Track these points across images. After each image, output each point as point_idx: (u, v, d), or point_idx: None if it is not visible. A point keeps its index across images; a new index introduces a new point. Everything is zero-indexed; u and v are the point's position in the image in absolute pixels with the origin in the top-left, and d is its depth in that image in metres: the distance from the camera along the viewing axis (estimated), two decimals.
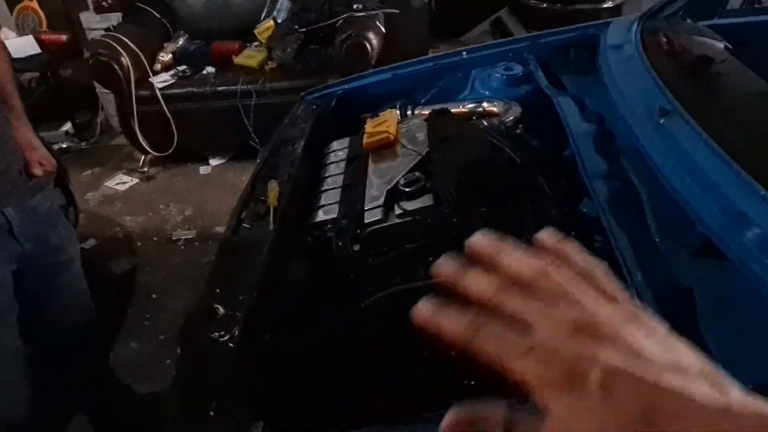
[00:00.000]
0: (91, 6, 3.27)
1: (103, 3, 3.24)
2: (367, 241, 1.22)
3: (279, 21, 2.85)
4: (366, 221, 1.22)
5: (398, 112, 1.67)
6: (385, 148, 1.43)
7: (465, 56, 1.77)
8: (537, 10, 2.76)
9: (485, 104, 1.58)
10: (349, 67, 2.61)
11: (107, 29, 2.92)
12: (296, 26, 2.75)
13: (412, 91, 1.76)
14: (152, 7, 3.02)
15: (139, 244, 2.42)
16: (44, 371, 1.17)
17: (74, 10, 3.32)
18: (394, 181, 1.27)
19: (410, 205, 1.21)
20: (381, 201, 1.24)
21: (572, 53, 1.69)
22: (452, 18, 2.83)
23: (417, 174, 1.26)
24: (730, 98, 1.20)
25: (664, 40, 1.45)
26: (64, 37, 3.22)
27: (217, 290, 1.15)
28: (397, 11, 2.79)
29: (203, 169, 2.91)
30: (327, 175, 1.45)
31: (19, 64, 3.17)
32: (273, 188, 1.32)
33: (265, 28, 2.81)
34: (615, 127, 1.29)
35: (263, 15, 2.94)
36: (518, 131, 1.46)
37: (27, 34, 3.22)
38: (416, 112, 1.66)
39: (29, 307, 1.10)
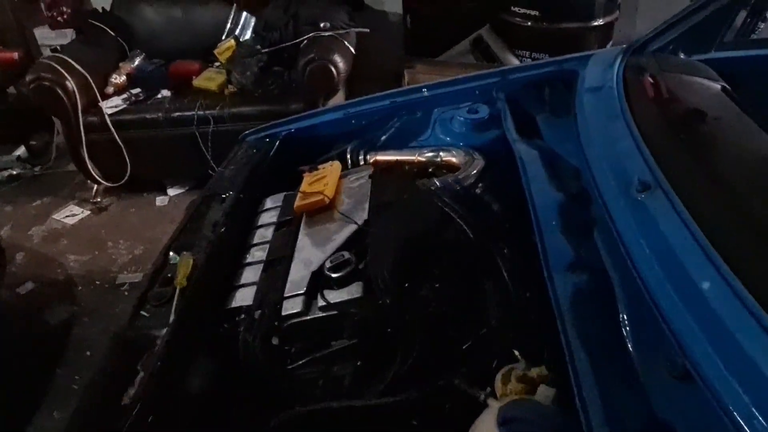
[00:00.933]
0: (45, 22, 3.06)
1: (58, 18, 3.03)
2: (285, 337, 1.01)
3: (241, 40, 2.64)
4: (284, 313, 1.01)
5: (349, 157, 1.47)
6: (321, 211, 1.22)
7: (426, 93, 1.56)
8: (521, 29, 2.54)
9: (443, 154, 1.37)
10: (312, 93, 2.41)
11: (55, 48, 2.70)
12: (258, 46, 2.53)
13: (367, 131, 1.55)
14: (107, 24, 2.81)
15: (80, 288, 2.21)
16: None
17: (28, 25, 3.11)
18: (322, 261, 1.06)
19: (335, 296, 1.00)
20: (303, 288, 1.03)
21: (547, 90, 1.47)
22: (429, 36, 2.62)
23: (345, 255, 1.04)
24: (727, 166, 0.97)
25: (651, 82, 1.23)
26: (15, 55, 3.00)
27: (96, 401, 0.95)
28: (368, 30, 2.57)
29: (160, 200, 2.70)
30: (254, 242, 1.24)
31: None
32: (184, 263, 1.11)
33: (225, 48, 2.60)
34: (589, 192, 1.07)
35: (225, 33, 2.72)
36: (478, 190, 1.24)
37: None
38: (369, 158, 1.45)
39: None
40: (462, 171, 1.28)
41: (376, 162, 1.42)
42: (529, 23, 2.55)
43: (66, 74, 2.42)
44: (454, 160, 1.35)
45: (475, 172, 1.28)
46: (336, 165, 1.34)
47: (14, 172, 2.97)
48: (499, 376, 0.84)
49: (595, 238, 0.97)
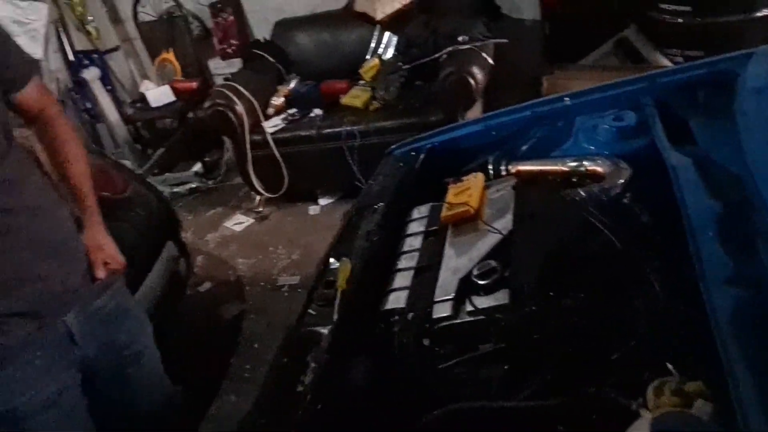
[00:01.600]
0: (217, 54, 3.51)
1: (228, 50, 3.45)
2: (435, 339, 1.09)
3: (384, 58, 2.81)
4: (434, 316, 1.09)
5: (491, 168, 1.52)
6: (466, 221, 1.28)
7: (568, 102, 1.56)
8: (670, 26, 2.37)
9: (587, 163, 1.36)
10: (451, 104, 2.49)
11: (227, 77, 3.09)
12: (400, 63, 2.67)
13: (508, 142, 1.59)
14: (267, 52, 3.15)
15: (248, 288, 2.51)
16: None
17: (204, 57, 3.58)
18: (468, 269, 1.12)
19: (482, 302, 1.06)
20: (452, 293, 1.10)
21: (701, 93, 1.40)
22: (569, 41, 2.56)
23: (492, 263, 1.09)
24: None
25: None
26: (194, 84, 3.48)
27: (272, 391, 1.10)
28: (506, 40, 2.60)
29: (312, 209, 2.96)
30: (404, 250, 1.34)
31: (157, 112, 3.51)
32: (344, 268, 1.24)
33: (369, 66, 2.79)
34: (754, 204, 1.01)
35: (369, 53, 2.91)
36: (626, 200, 1.23)
37: (165, 84, 3.53)
38: (510, 168, 1.49)
39: (102, 400, 1.13)
40: (608, 180, 1.27)
41: (518, 172, 1.46)
42: (680, 20, 2.38)
43: (236, 99, 2.76)
44: (599, 169, 1.33)
45: (621, 181, 1.26)
46: (479, 176, 1.40)
47: (193, 185, 3.44)
48: (651, 388, 0.84)
49: (759, 250, 0.92)
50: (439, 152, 1.66)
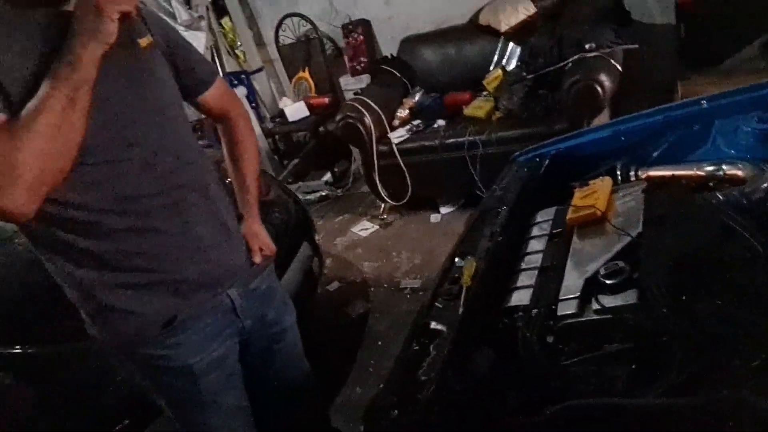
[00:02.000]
0: (348, 71, 3.76)
1: (357, 67, 3.69)
2: (559, 336, 1.12)
3: (508, 69, 2.84)
4: (559, 313, 1.12)
5: (619, 173, 1.50)
6: (592, 224, 1.29)
7: (704, 105, 1.50)
8: None
9: (726, 167, 1.31)
10: (576, 113, 2.46)
11: (357, 92, 3.30)
12: (524, 73, 2.69)
13: (637, 147, 1.56)
14: (394, 67, 3.32)
15: (372, 289, 2.65)
16: (267, 426, 1.35)
17: (335, 75, 3.85)
18: (595, 269, 1.14)
19: (610, 301, 1.07)
20: (578, 291, 1.12)
21: None
22: (708, 45, 2.42)
23: (620, 264, 1.10)
24: None
25: None
26: (327, 100, 3.75)
27: (400, 373, 1.18)
28: (636, 46, 2.52)
29: (433, 217, 3.05)
30: (527, 251, 1.37)
31: (294, 126, 3.82)
32: (468, 266, 1.30)
33: (493, 77, 2.83)
34: None
35: (492, 64, 2.96)
36: None
37: (300, 100, 3.84)
38: (639, 174, 1.47)
39: (252, 371, 1.29)
40: (749, 185, 1.22)
41: (648, 177, 1.43)
42: None
43: (365, 112, 2.95)
44: (739, 173, 1.28)
45: (765, 185, 1.20)
46: (607, 180, 1.40)
47: (323, 193, 3.70)
48: None
49: None
50: (564, 158, 1.66)
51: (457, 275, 1.31)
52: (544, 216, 1.46)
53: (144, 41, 0.98)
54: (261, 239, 1.29)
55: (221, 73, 3.80)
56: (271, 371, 1.34)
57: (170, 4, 3.56)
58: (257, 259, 1.26)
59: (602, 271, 1.11)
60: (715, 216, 1.12)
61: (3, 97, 0.85)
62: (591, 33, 2.59)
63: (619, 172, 1.50)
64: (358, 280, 2.76)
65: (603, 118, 2.55)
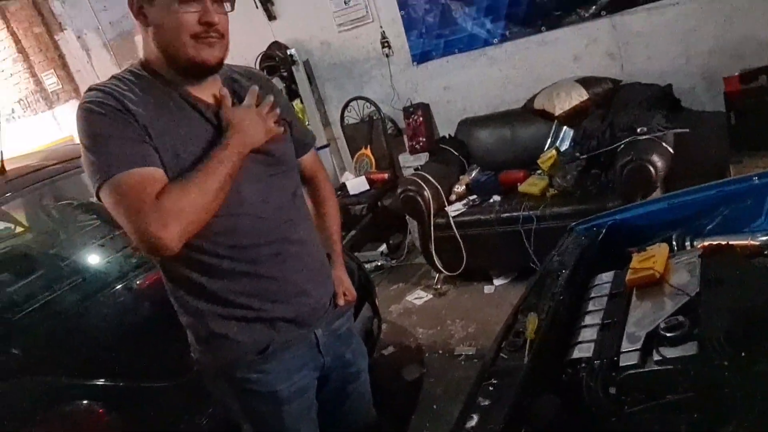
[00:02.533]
0: (407, 149, 4.01)
1: (416, 146, 3.93)
2: (622, 386, 1.18)
3: (561, 149, 3.01)
4: (621, 364, 1.19)
5: (674, 243, 1.59)
6: (650, 285, 1.38)
7: (756, 181, 1.60)
8: None
9: None
10: (630, 192, 2.56)
11: (416, 168, 3.52)
12: (577, 153, 2.85)
13: (691, 220, 1.66)
14: (451, 146, 3.55)
15: (427, 355, 2.72)
16: None
17: (395, 152, 4.11)
18: (655, 324, 1.22)
19: (671, 352, 1.14)
20: (639, 344, 1.20)
21: None
22: (758, 129, 2.53)
23: (680, 318, 1.18)
24: None
25: None
26: (386, 175, 3.98)
27: (470, 418, 1.25)
28: (687, 130, 2.65)
29: (487, 288, 3.14)
30: (587, 310, 1.45)
31: (354, 199, 4.04)
32: (532, 321, 1.39)
33: (547, 157, 3.00)
34: None
35: (546, 145, 3.14)
36: None
37: (361, 175, 4.10)
38: (695, 244, 1.55)
39: (325, 407, 1.39)
40: None
41: (703, 247, 1.52)
42: None
43: (424, 186, 3.14)
44: None
45: None
46: (664, 246, 1.49)
47: (378, 264, 3.85)
48: None
49: None
50: (620, 228, 1.76)
51: (520, 329, 1.40)
52: (603, 279, 1.54)
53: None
54: (345, 285, 1.44)
55: None
56: (342, 410, 1.44)
57: None
58: (341, 302, 1.40)
59: (662, 325, 1.18)
60: None
61: (159, 156, 1.07)
62: (642, 118, 2.74)
63: (674, 242, 1.58)
64: (412, 346, 2.84)
65: (655, 197, 2.65)
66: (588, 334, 1.36)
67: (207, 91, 1.16)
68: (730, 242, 1.48)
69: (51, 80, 6.40)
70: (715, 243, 1.50)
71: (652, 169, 2.49)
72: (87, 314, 1.98)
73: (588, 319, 1.41)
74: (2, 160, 2.24)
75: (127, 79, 1.11)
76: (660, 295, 1.32)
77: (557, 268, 1.64)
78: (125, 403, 1.79)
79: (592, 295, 1.51)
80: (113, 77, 1.12)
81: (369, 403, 1.52)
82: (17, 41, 6.44)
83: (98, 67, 5.73)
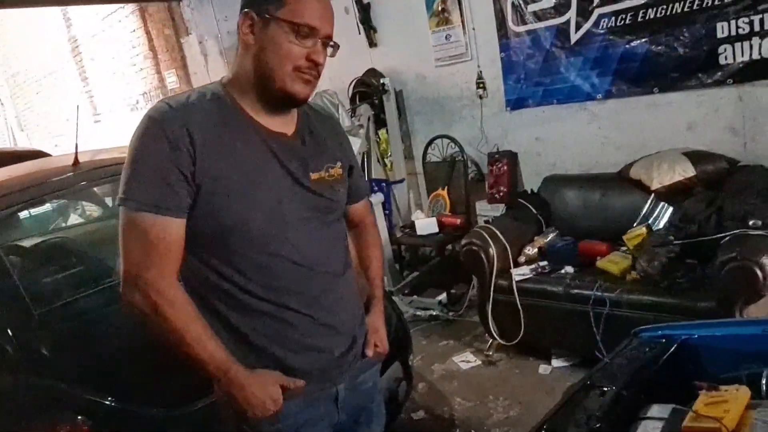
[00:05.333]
0: (486, 197, 3.76)
1: (496, 195, 3.68)
2: None
3: (654, 228, 2.63)
4: None
5: (764, 384, 1.25)
6: None
7: None
8: None
9: None
10: (729, 294, 2.16)
11: (488, 219, 3.26)
12: (671, 237, 2.46)
13: None
14: (531, 203, 3.25)
15: (457, 431, 2.43)
16: None
17: (473, 198, 3.87)
18: None
19: None
20: None
21: None
22: None
23: None
24: None
25: None
26: (458, 221, 3.76)
27: None
28: None
29: (543, 368, 2.79)
30: None
31: (421, 240, 3.86)
32: None
33: (635, 234, 2.63)
34: None
35: (638, 220, 2.77)
36: None
37: (433, 216, 3.90)
38: None
39: None
40: None
41: None
42: None
43: (491, 242, 2.89)
44: None
45: None
46: (744, 390, 1.16)
47: (434, 313, 3.60)
48: None
49: None
50: (696, 347, 1.44)
51: None
52: (656, 413, 1.24)
53: (336, 171, 1.22)
54: (379, 335, 1.33)
55: (366, 177, 4.05)
56: None
57: (338, 111, 3.93)
58: (369, 352, 1.29)
59: None
60: None
61: (199, 188, 1.05)
62: (759, 209, 2.32)
63: (765, 382, 1.25)
64: (445, 416, 2.57)
65: (763, 308, 2.21)
66: None
67: (279, 122, 1.16)
68: None
69: (171, 78, 6.86)
70: None
71: (759, 272, 2.07)
72: (104, 321, 1.93)
73: None
74: (76, 154, 2.30)
75: (205, 96, 1.11)
76: None
77: (605, 382, 1.35)
78: (115, 425, 1.71)
79: (639, 429, 1.21)
80: (193, 91, 1.13)
81: None
82: (150, 40, 7.00)
83: (212, 71, 6.04)
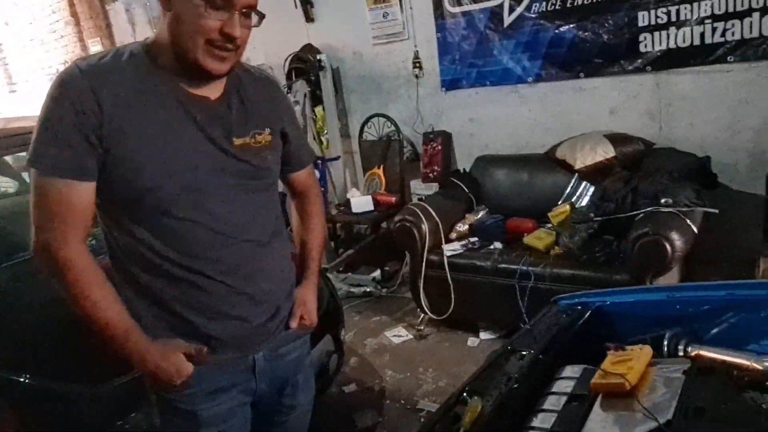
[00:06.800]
0: (420, 176, 3.81)
1: (430, 174, 3.73)
2: None
3: (577, 206, 2.76)
4: None
5: (665, 345, 1.35)
6: (618, 396, 1.14)
7: None
8: None
9: None
10: (640, 268, 2.31)
11: (421, 197, 3.31)
12: (592, 214, 2.60)
13: (692, 320, 1.41)
14: (463, 181, 3.33)
15: (387, 402, 2.49)
16: None
17: (407, 177, 3.92)
18: None
19: None
20: None
21: None
22: None
23: None
24: None
25: None
26: (393, 199, 3.80)
27: None
28: (716, 210, 2.37)
29: (471, 341, 2.89)
30: (542, 407, 1.23)
31: (356, 218, 3.87)
32: (472, 408, 1.18)
33: (559, 212, 2.76)
34: None
35: (562, 199, 2.89)
36: None
37: (369, 194, 3.92)
38: (688, 351, 1.31)
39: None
40: None
41: (697, 357, 1.27)
42: None
43: (424, 219, 2.94)
44: None
45: None
46: (647, 350, 1.25)
47: (368, 290, 3.64)
48: None
49: None
50: (608, 313, 1.53)
51: (460, 414, 1.19)
52: (571, 372, 1.31)
53: (264, 138, 1.17)
54: (307, 308, 1.31)
55: None
56: None
57: None
58: (293, 324, 1.27)
59: None
60: (762, 424, 0.95)
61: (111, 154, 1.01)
62: (670, 188, 2.48)
63: (666, 344, 1.34)
64: (376, 389, 2.61)
65: (670, 279, 2.38)
66: None
67: (203, 86, 1.10)
68: (729, 359, 1.23)
69: (96, 48, 6.46)
70: (709, 356, 1.25)
71: (668, 246, 2.23)
72: (19, 296, 1.83)
73: (538, 421, 1.18)
74: None
75: (124, 58, 1.06)
76: (626, 412, 1.09)
77: (525, 346, 1.42)
78: (32, 404, 1.63)
79: (553, 389, 1.28)
80: (110, 51, 1.08)
81: None
82: (72, 5, 6.56)
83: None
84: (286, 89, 4.05)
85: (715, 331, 1.36)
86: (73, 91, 0.99)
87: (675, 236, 2.24)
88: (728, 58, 2.72)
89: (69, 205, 1.01)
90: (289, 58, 4.22)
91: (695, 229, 2.32)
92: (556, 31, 3.16)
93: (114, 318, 1.05)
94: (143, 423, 1.65)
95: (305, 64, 4.14)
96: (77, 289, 1.02)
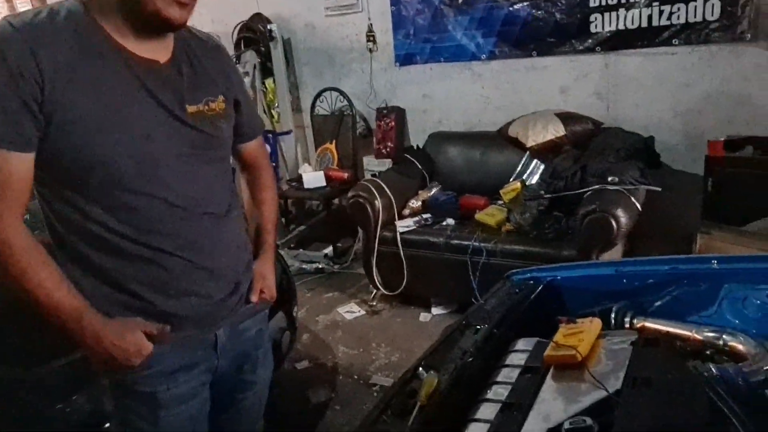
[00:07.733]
0: (374, 152, 3.78)
1: (383, 150, 3.71)
2: None
3: (527, 184, 2.81)
4: None
5: (613, 317, 1.40)
6: (570, 367, 1.17)
7: (715, 265, 1.40)
8: None
9: (728, 338, 1.20)
10: (587, 243, 2.38)
11: (375, 174, 3.29)
12: (542, 191, 2.65)
13: (638, 294, 1.46)
14: (416, 158, 3.33)
15: (341, 378, 2.49)
16: None
17: (360, 153, 3.88)
18: (560, 420, 1.01)
19: None
20: None
21: None
22: (734, 201, 2.36)
23: (587, 421, 0.97)
24: None
25: None
26: (345, 175, 3.75)
27: None
28: (659, 189, 2.47)
29: (423, 316, 2.92)
30: (496, 380, 1.24)
31: (308, 193, 3.81)
32: (428, 382, 1.18)
33: (510, 189, 2.80)
34: None
35: (513, 176, 2.94)
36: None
37: (321, 170, 3.86)
38: (634, 322, 1.36)
39: (211, 410, 1.23)
40: (749, 363, 1.10)
41: (642, 328, 1.32)
42: None
43: (377, 195, 2.92)
44: (740, 347, 1.16)
45: (765, 369, 1.08)
46: (596, 322, 1.29)
47: (320, 266, 3.61)
48: None
49: None
50: (559, 287, 1.57)
51: (416, 389, 1.19)
52: (524, 345, 1.34)
53: (218, 105, 1.12)
54: (266, 282, 1.28)
55: None
56: (222, 419, 1.27)
57: None
58: (254, 298, 1.24)
59: (567, 425, 0.98)
60: (704, 392, 1.00)
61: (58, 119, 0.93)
62: (616, 167, 2.56)
63: (613, 316, 1.39)
64: (329, 365, 2.61)
65: (614, 253, 2.47)
66: (487, 411, 1.14)
67: (150, 48, 1.03)
68: (672, 330, 1.30)
69: (25, 6, 6.02)
70: (654, 327, 1.31)
71: (614, 223, 2.30)
72: None
73: (492, 393, 1.20)
74: None
75: (61, 16, 0.96)
76: (577, 383, 1.12)
77: (479, 320, 1.43)
78: None
79: (507, 362, 1.30)
80: (43, 9, 0.96)
81: (256, 420, 1.36)
82: None
83: None
84: (234, 59, 3.90)
85: (658, 303, 1.42)
86: (9, 50, 0.90)
87: (620, 213, 2.32)
88: (673, 41, 2.81)
89: (5, 178, 0.92)
90: (238, 27, 4.06)
91: (639, 207, 2.41)
92: (510, 8, 3.17)
93: (63, 298, 0.97)
94: (86, 405, 1.58)
95: (255, 33, 4.00)
96: (15, 269, 0.94)
